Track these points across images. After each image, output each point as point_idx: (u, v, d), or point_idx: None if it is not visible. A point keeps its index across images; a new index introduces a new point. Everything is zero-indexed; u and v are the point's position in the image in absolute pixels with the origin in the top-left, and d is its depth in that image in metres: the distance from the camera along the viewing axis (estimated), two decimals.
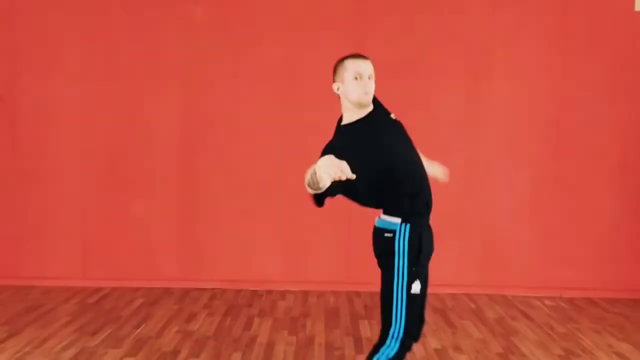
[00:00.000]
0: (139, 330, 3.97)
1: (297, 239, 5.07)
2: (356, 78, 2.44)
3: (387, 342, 2.44)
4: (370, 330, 4.05)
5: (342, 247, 5.09)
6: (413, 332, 2.46)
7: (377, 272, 4.53)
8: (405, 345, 2.45)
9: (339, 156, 2.13)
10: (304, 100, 5.00)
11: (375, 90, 2.53)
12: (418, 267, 2.43)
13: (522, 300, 4.87)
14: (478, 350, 3.73)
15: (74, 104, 5.00)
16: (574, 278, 5.06)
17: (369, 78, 2.46)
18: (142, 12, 4.97)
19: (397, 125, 2.56)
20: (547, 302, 4.86)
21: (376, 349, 2.47)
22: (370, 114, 2.51)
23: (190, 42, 4.97)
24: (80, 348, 3.63)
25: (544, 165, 5.06)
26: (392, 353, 2.43)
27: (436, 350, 3.73)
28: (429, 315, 4.23)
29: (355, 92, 2.45)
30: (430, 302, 4.59)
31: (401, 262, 2.43)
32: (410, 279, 2.41)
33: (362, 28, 4.98)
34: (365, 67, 2.46)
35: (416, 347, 3.71)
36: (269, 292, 4.97)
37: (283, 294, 4.91)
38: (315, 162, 2.13)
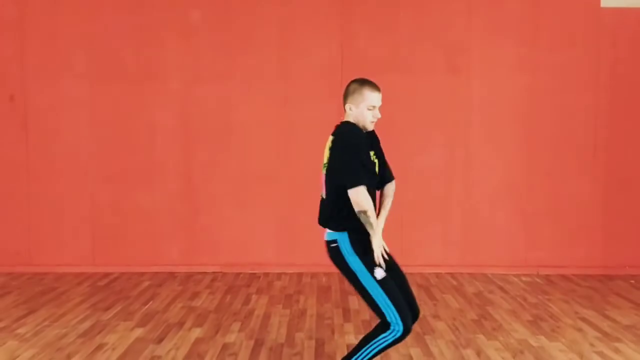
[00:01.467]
0: (147, 306, 4.35)
1: (291, 225, 5.46)
2: (369, 109, 2.80)
3: (392, 327, 2.68)
4: (358, 303, 4.42)
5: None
6: (405, 313, 2.69)
7: None
8: (408, 326, 2.69)
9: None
10: (295, 95, 5.39)
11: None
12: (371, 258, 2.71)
13: (500, 277, 5.25)
14: (455, 318, 4.11)
15: (82, 102, 5.38)
16: (549, 257, 5.45)
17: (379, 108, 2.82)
18: (143, 15, 5.35)
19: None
20: (523, 278, 5.24)
21: (379, 334, 2.70)
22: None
23: (189, 42, 5.36)
24: (95, 321, 4.01)
25: (519, 153, 5.44)
26: (397, 333, 2.68)
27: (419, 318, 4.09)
28: (414, 288, 4.67)
29: (366, 119, 2.82)
30: (415, 280, 5.03)
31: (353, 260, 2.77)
32: (368, 269, 2.71)
33: (347, 27, 5.37)
34: (379, 100, 2.82)
35: None
36: (266, 274, 5.35)
37: (279, 276, 5.29)
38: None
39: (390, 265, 2.79)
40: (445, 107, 5.42)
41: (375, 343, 2.72)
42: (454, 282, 5.10)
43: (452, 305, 4.41)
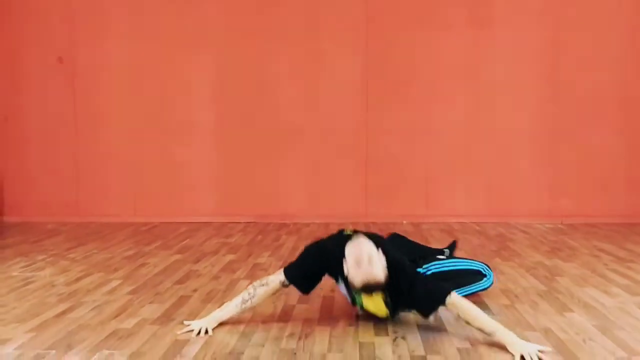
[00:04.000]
0: (185, 241, 4.67)
1: (320, 178, 5.72)
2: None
3: (487, 276, 2.97)
4: None
5: (360, 183, 5.72)
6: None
7: (391, 204, 5.12)
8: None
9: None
10: (322, 52, 5.65)
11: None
12: None
13: (524, 225, 5.39)
14: (474, 249, 4.29)
15: (124, 62, 5.76)
16: (573, 207, 5.56)
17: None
18: None
19: None
20: (547, 225, 5.37)
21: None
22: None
23: (222, 9, 5.68)
24: (137, 250, 4.35)
25: (544, 104, 5.57)
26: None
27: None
28: (437, 233, 4.89)
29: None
30: (439, 227, 5.20)
31: None
32: None
33: None
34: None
35: None
36: (295, 223, 5.62)
37: (307, 225, 5.55)
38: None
39: None
40: (467, 60, 5.57)
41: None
42: (478, 228, 5.27)
43: (473, 242, 4.58)
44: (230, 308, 2.67)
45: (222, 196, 5.80)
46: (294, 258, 2.83)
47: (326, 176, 5.72)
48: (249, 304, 2.66)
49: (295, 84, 5.70)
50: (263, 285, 2.68)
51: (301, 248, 2.91)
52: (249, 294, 2.67)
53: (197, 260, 3.99)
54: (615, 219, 5.46)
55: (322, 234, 5.11)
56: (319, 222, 5.65)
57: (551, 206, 5.57)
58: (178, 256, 4.15)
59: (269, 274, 2.81)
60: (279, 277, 2.70)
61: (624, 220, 5.44)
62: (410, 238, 3.43)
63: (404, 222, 3.72)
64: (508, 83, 5.58)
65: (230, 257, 4.11)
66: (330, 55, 5.66)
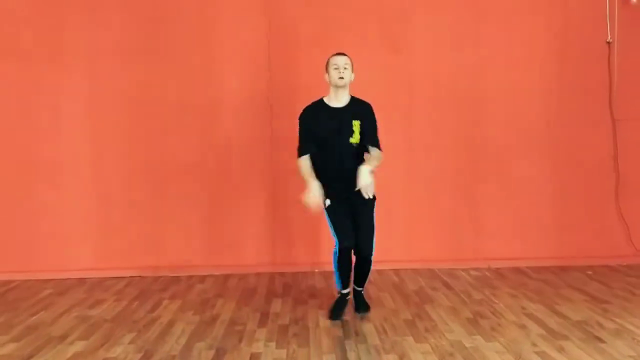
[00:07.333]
0: (37, 315, 3.77)
1: (222, 224, 4.93)
2: (335, 68, 3.61)
3: (335, 243, 3.53)
4: (281, 306, 3.91)
5: (267, 230, 4.95)
6: (339, 233, 3.51)
7: (301, 252, 4.47)
8: (343, 245, 3.50)
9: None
10: (219, 78, 4.86)
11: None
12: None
13: (448, 272, 4.77)
14: (385, 319, 3.61)
15: None
16: (501, 249, 4.99)
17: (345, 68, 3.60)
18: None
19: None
20: (472, 272, 4.77)
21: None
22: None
23: (99, 23, 4.81)
24: None
25: (465, 137, 4.98)
26: (335, 249, 3.55)
27: (343, 321, 3.60)
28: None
29: (332, 78, 3.65)
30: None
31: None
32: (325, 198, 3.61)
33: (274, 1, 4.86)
34: (341, 60, 3.62)
35: (321, 319, 3.61)
36: (190, 277, 4.79)
37: (203, 279, 4.74)
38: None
39: (344, 207, 3.60)
40: (383, 86, 4.93)
41: (333, 261, 3.63)
42: (396, 279, 4.61)
43: (387, 305, 3.90)
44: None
45: (101, 245, 4.90)
46: (161, 342, 3.00)
47: (227, 218, 4.93)
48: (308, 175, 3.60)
49: (187, 111, 4.88)
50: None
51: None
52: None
53: (31, 355, 3.11)
54: (547, 262, 4.92)
55: (215, 293, 4.31)
56: (218, 273, 4.84)
57: (477, 248, 4.98)
58: (12, 346, 3.25)
59: None
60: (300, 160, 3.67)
61: (556, 263, 4.92)
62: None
63: (326, 201, 3.41)
64: (427, 109, 4.96)
65: (78, 345, 3.24)
66: (228, 80, 4.89)
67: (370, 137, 3.62)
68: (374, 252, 3.63)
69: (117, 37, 4.82)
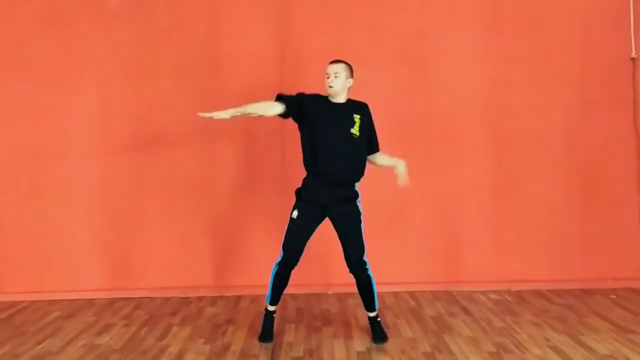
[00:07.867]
0: (44, 343, 3.66)
1: (233, 243, 4.81)
2: (326, 77, 3.58)
3: (280, 255, 3.54)
4: (294, 335, 3.78)
5: (279, 250, 4.82)
6: (288, 247, 3.50)
7: (313, 273, 4.31)
8: (284, 256, 3.51)
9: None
10: (224, 96, 4.75)
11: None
12: (299, 204, 3.57)
13: (467, 296, 4.62)
14: (403, 351, 3.46)
15: None
16: (522, 270, 4.82)
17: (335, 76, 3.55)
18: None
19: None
20: (492, 296, 4.61)
21: None
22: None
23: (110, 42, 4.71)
24: None
25: (486, 159, 4.82)
26: (277, 261, 3.56)
27: (359, 353, 3.45)
28: (361, 315, 3.99)
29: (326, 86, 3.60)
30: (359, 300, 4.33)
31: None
32: (293, 209, 3.57)
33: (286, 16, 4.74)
34: (331, 68, 3.57)
35: (337, 350, 3.47)
36: (200, 298, 4.68)
37: (214, 300, 4.62)
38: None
39: (311, 218, 3.55)
40: (399, 103, 4.79)
41: (271, 273, 3.59)
42: (413, 303, 4.46)
43: (403, 334, 3.76)
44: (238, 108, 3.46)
45: (110, 266, 4.79)
46: None
47: (237, 238, 4.81)
48: (249, 109, 3.49)
49: (197, 130, 4.76)
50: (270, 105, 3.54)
51: None
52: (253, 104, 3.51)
53: None
54: (569, 284, 4.75)
55: (226, 318, 4.14)
56: (230, 294, 4.72)
57: (497, 270, 4.82)
58: None
59: None
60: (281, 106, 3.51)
61: (578, 286, 4.74)
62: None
63: (293, 213, 3.42)
64: (443, 130, 4.81)
65: None
66: (238, 97, 4.76)
67: (376, 144, 3.67)
68: (368, 265, 3.51)
69: (126, 57, 4.73)
